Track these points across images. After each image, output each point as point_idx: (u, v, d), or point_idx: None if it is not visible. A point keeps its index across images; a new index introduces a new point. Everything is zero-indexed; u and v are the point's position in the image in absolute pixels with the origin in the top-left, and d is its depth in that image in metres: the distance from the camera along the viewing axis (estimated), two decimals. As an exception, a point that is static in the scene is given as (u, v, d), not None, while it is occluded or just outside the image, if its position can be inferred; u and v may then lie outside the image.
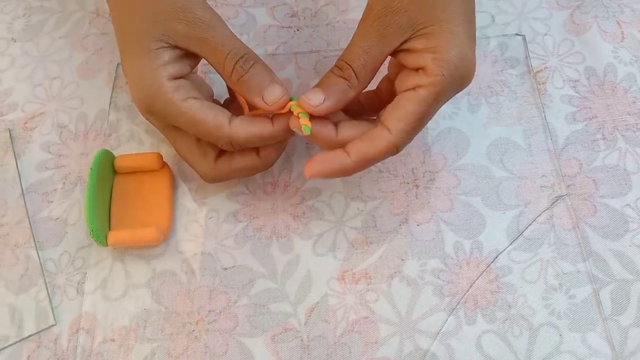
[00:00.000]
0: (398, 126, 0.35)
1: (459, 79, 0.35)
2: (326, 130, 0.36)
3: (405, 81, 0.36)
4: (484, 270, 0.39)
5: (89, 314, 0.39)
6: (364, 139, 0.35)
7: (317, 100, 0.35)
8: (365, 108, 0.40)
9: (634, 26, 0.47)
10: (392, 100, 0.37)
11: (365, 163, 0.36)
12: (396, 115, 0.35)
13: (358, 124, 0.37)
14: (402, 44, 0.35)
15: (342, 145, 0.36)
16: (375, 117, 0.39)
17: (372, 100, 0.40)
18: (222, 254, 0.41)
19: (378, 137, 0.35)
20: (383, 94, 0.40)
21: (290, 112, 0.36)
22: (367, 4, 0.36)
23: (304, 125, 0.35)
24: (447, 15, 0.35)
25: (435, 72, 0.34)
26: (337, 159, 0.35)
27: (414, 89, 0.35)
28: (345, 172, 0.36)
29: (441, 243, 0.40)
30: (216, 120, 0.36)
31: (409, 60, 0.35)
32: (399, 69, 0.38)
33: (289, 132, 0.37)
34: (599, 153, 0.43)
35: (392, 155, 0.36)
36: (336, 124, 0.37)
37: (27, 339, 0.39)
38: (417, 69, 0.35)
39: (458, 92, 0.36)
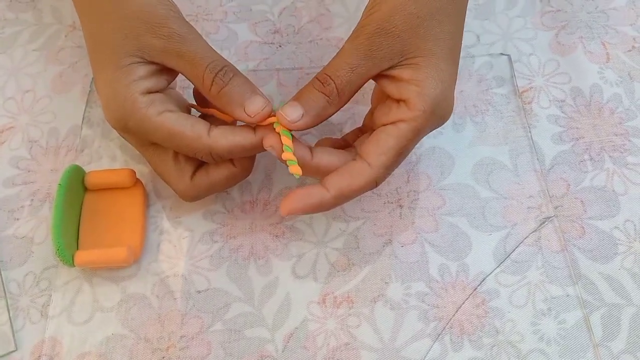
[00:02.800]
0: (379, 161, 0.34)
1: (438, 117, 0.35)
2: (300, 152, 0.35)
3: (387, 114, 0.35)
4: (470, 294, 0.38)
5: (53, 338, 0.37)
6: (343, 173, 0.34)
7: (295, 115, 0.34)
8: (352, 146, 0.39)
9: (619, 47, 0.47)
10: (370, 133, 0.36)
11: (345, 198, 0.35)
12: (377, 150, 0.34)
13: (332, 150, 0.36)
14: (388, 69, 0.35)
15: (315, 169, 0.35)
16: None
17: (358, 138, 0.39)
18: (196, 276, 0.39)
19: (358, 171, 0.34)
20: (368, 131, 0.39)
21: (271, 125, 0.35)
22: (360, 21, 0.35)
23: (293, 168, 0.34)
24: (437, 49, 0.34)
25: (418, 107, 0.34)
26: (315, 195, 0.34)
27: (394, 123, 0.34)
28: (324, 208, 0.35)
29: (426, 265, 0.39)
30: (194, 131, 0.35)
31: (393, 89, 0.35)
32: (381, 101, 0.37)
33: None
34: (587, 174, 0.42)
35: (370, 190, 0.35)
36: (310, 148, 0.36)
37: (-16, 366, 0.36)
38: (398, 100, 0.35)
39: (435, 129, 0.36)
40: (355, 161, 0.35)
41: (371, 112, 0.39)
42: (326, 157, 0.36)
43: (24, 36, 0.49)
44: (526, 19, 0.49)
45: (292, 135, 0.35)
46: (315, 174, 0.36)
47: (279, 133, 0.34)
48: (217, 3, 0.50)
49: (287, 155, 0.34)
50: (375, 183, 0.35)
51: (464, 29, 0.47)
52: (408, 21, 0.34)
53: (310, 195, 0.34)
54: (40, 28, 0.49)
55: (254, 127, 0.36)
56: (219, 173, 0.37)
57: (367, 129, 0.39)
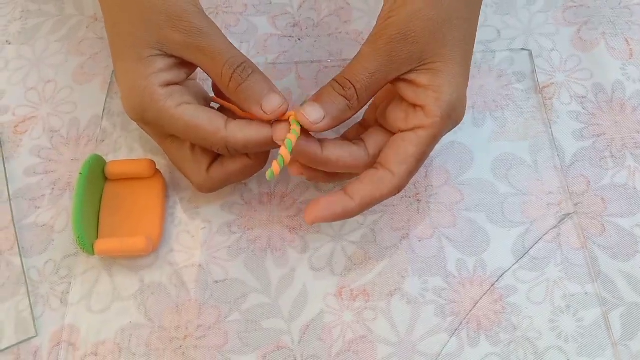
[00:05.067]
0: (401, 169, 0.34)
1: (454, 121, 0.35)
2: (312, 146, 0.35)
3: (404, 119, 0.35)
4: (488, 290, 0.38)
5: (71, 326, 0.37)
6: (367, 182, 0.35)
7: (316, 116, 0.34)
8: (350, 140, 0.39)
9: (642, 44, 0.46)
10: (376, 126, 0.37)
11: (369, 205, 0.35)
12: (398, 158, 0.34)
13: (341, 143, 0.37)
14: (405, 73, 0.35)
15: (325, 162, 0.36)
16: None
17: (358, 133, 0.39)
18: (214, 267, 0.39)
19: (382, 180, 0.34)
20: (369, 124, 0.39)
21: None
22: (378, 24, 0.35)
23: (275, 165, 0.33)
24: (453, 54, 0.34)
25: (436, 114, 0.34)
26: (340, 203, 0.34)
27: (413, 130, 0.34)
28: (348, 215, 0.35)
29: (443, 260, 0.39)
30: (212, 124, 0.35)
31: (410, 93, 0.35)
32: (387, 97, 0.37)
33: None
34: (608, 171, 0.41)
35: (393, 196, 0.35)
36: (320, 141, 0.36)
37: (4, 351, 0.37)
38: (415, 105, 0.35)
39: (449, 131, 0.36)
40: (377, 170, 0.35)
41: (373, 107, 0.39)
42: (335, 150, 0.36)
43: (46, 27, 0.49)
44: (548, 14, 0.48)
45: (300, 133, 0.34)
46: (324, 166, 0.36)
47: (289, 123, 0.34)
48: (237, -4, 0.50)
49: (284, 151, 0.33)
50: (398, 190, 0.35)
51: (485, 23, 0.48)
52: (427, 26, 0.34)
53: (334, 203, 0.34)
54: (62, 19, 0.50)
55: (270, 122, 0.36)
56: (233, 165, 0.37)
57: (367, 123, 0.39)
